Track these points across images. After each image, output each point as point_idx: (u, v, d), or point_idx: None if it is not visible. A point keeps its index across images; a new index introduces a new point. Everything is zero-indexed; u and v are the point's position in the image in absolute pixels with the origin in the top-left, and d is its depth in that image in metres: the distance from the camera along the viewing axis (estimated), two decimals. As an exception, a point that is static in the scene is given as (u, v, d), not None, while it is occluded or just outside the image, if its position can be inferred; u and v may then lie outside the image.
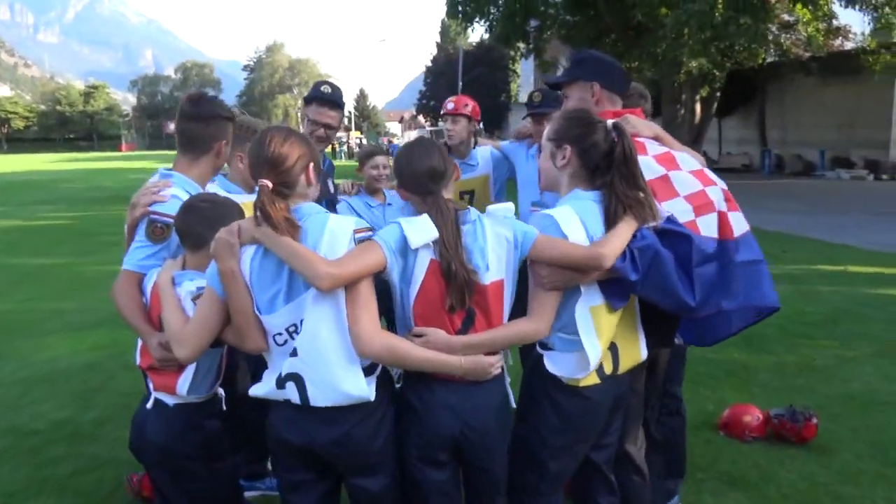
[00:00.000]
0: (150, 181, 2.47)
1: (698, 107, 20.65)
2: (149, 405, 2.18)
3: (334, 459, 1.94)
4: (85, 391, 4.69)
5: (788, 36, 18.77)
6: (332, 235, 1.86)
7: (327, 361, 1.85)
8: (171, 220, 2.22)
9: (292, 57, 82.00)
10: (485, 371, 1.96)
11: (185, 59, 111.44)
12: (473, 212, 2.01)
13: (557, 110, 3.69)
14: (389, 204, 3.95)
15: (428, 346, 1.91)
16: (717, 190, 2.30)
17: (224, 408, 2.31)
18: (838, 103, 24.13)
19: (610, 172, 2.09)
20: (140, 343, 2.25)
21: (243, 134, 2.87)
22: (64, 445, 3.88)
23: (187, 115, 2.38)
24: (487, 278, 1.94)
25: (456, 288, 1.89)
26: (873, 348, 5.25)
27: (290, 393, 1.89)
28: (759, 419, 3.78)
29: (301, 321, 1.86)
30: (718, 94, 21.28)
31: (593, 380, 2.09)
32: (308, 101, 3.43)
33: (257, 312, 1.89)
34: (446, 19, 75.21)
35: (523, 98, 54.04)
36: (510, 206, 2.03)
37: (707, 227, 2.22)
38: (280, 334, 1.89)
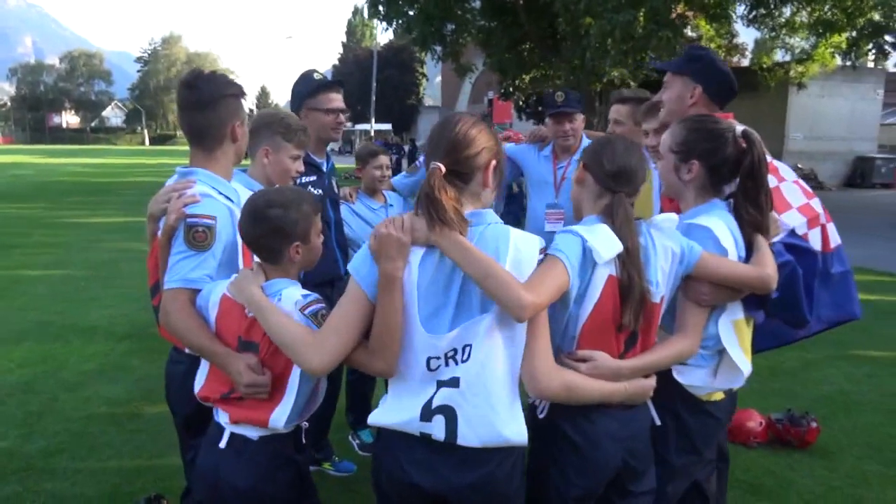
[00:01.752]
0: (169, 183, 2.13)
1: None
2: (222, 444, 1.82)
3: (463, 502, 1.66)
4: (26, 417, 4.10)
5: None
6: (517, 253, 1.60)
7: (491, 398, 1.60)
8: (213, 222, 1.90)
9: (190, 50, 78.48)
10: (646, 395, 1.80)
11: (70, 48, 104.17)
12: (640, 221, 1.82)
13: (579, 111, 3.61)
14: (391, 205, 3.71)
15: (595, 371, 1.70)
16: (817, 202, 2.28)
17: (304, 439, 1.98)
18: (737, 116, 25.53)
19: (735, 182, 1.99)
20: (206, 370, 1.90)
21: (267, 127, 2.56)
22: (15, 483, 3.35)
23: (187, 103, 2.03)
24: (657, 295, 1.76)
25: (632, 306, 1.69)
26: (829, 351, 5.46)
27: (435, 428, 1.61)
28: (762, 424, 3.81)
29: (466, 347, 1.59)
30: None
31: (720, 395, 2.01)
32: (311, 94, 3.07)
33: (418, 327, 1.60)
34: (353, 19, 74.86)
35: (429, 101, 54.29)
36: (674, 216, 1.84)
37: (815, 241, 2.19)
38: (437, 358, 1.60)
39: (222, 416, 1.85)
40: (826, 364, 5.22)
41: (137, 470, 3.46)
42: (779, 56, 21.37)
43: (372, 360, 1.64)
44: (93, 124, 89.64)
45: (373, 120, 36.72)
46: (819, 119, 23.05)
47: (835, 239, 2.31)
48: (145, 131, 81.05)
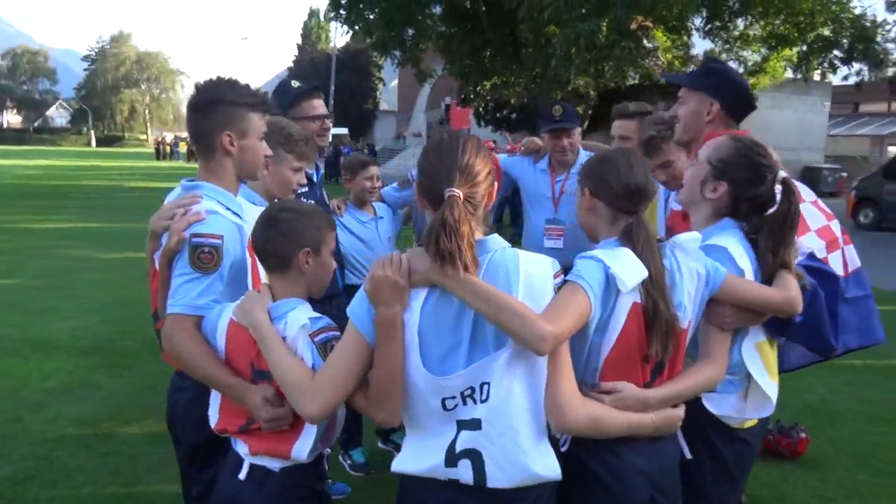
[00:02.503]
0: (171, 197, 2.00)
1: (573, 123, 21.61)
2: (242, 475, 1.70)
3: None
4: (-13, 439, 3.86)
5: (650, 61, 20.10)
6: (529, 278, 1.50)
7: (517, 437, 1.49)
8: (220, 242, 1.78)
9: (140, 49, 76.11)
10: (674, 426, 1.71)
11: (12, 45, 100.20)
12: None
13: (577, 126, 3.56)
14: (381, 217, 3.60)
15: (620, 404, 1.60)
16: (837, 224, 2.27)
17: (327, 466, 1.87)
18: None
19: (757, 218, 1.94)
20: (218, 400, 1.77)
21: (268, 137, 2.42)
22: (-19, 513, 3.13)
23: (189, 106, 1.93)
24: (685, 321, 1.68)
25: (660, 335, 1.60)
26: (803, 359, 5.54)
27: (462, 472, 1.50)
28: (754, 436, 3.81)
29: (484, 386, 1.48)
30: (590, 111, 22.35)
31: (752, 422, 1.94)
32: (293, 103, 2.97)
33: (423, 373, 1.49)
34: (309, 21, 74.11)
35: (385, 106, 54.04)
36: (697, 235, 1.76)
37: (836, 264, 2.16)
38: (452, 398, 1.49)
39: (241, 447, 1.73)
40: (806, 373, 5.25)
41: (115, 498, 3.27)
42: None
43: (373, 410, 1.54)
44: (36, 124, 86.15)
45: (331, 124, 36.37)
46: (769, 129, 23.71)
47: (853, 262, 2.28)
48: (92, 132, 78.39)
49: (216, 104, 1.88)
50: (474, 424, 1.49)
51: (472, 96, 24.41)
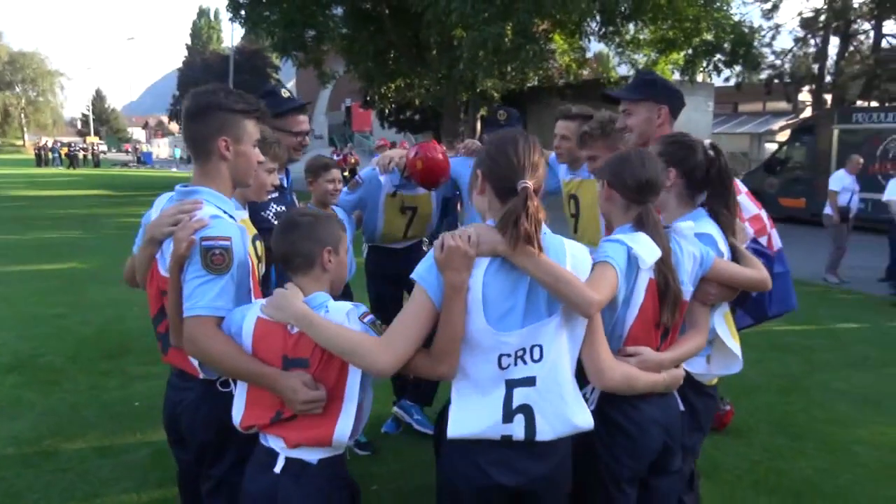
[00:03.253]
0: (168, 204, 2.02)
1: (479, 124, 22.03)
2: (277, 468, 1.75)
3: (540, 494, 1.77)
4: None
5: (550, 63, 20.89)
6: (574, 259, 1.77)
7: (563, 392, 1.75)
8: (229, 244, 1.82)
9: (13, 49, 70.73)
10: (678, 383, 2.00)
11: None
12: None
13: (519, 128, 3.75)
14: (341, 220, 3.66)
15: (642, 365, 1.88)
16: (763, 212, 2.58)
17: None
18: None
19: (706, 191, 2.21)
20: (244, 396, 1.81)
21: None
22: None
23: (185, 113, 1.94)
24: (688, 294, 1.98)
25: (670, 305, 1.90)
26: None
27: (516, 428, 1.71)
28: (685, 411, 4.16)
29: (535, 347, 1.71)
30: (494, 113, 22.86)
31: (716, 380, 2.29)
32: (280, 114, 3.02)
33: (488, 329, 1.69)
34: (198, 21, 71.46)
35: (286, 108, 52.97)
36: (692, 224, 2.04)
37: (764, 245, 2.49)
38: (508, 355, 1.70)
39: (274, 442, 1.78)
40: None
41: (75, 513, 3.17)
42: (623, 71, 23.08)
43: (435, 365, 1.71)
44: None
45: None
46: None
47: (777, 243, 2.61)
48: (-43, 137, 72.31)
49: (212, 111, 1.91)
50: (529, 382, 1.71)
51: (376, 98, 24.39)
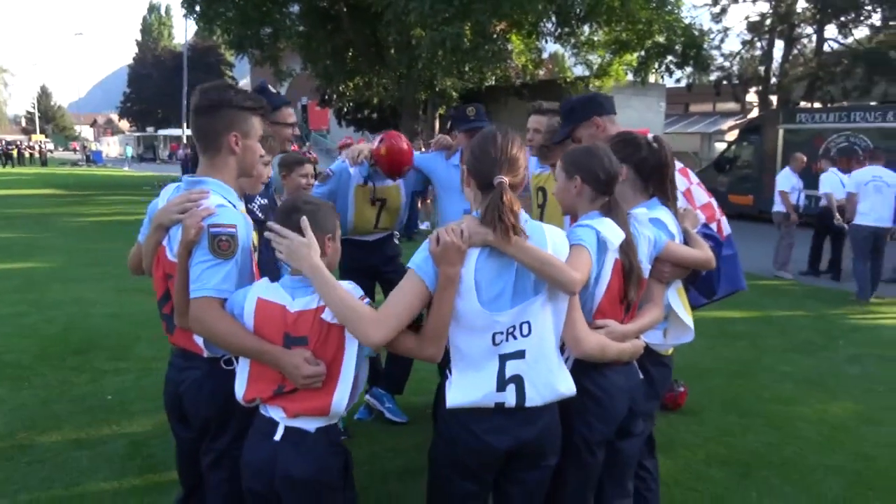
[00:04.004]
0: (175, 193, 2.13)
1: (437, 123, 22.20)
2: (277, 437, 1.89)
3: (527, 454, 1.95)
4: None
5: (507, 63, 21.17)
6: (554, 244, 1.94)
7: (549, 363, 1.93)
8: (235, 231, 1.95)
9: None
10: (639, 352, 2.20)
11: None
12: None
13: (489, 124, 3.92)
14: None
15: (610, 335, 2.08)
16: (714, 201, 2.81)
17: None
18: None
19: (654, 180, 2.42)
20: (245, 372, 1.93)
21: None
22: None
23: (194, 107, 2.07)
24: (647, 273, 2.18)
25: (634, 283, 2.10)
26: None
27: (508, 396, 1.89)
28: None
29: (524, 324, 1.89)
30: (452, 111, 23.03)
31: (671, 350, 2.51)
32: (277, 108, 3.25)
33: (480, 310, 1.85)
34: (149, 16, 69.86)
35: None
36: (646, 211, 2.26)
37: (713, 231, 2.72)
38: (501, 333, 1.88)
39: (275, 412, 1.92)
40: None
41: (58, 500, 3.23)
42: (578, 71, 23.54)
43: (424, 347, 1.88)
44: None
45: (185, 125, 34.77)
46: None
47: (726, 229, 2.85)
48: None
49: (224, 107, 2.04)
50: (519, 355, 1.90)
51: (334, 96, 24.33)
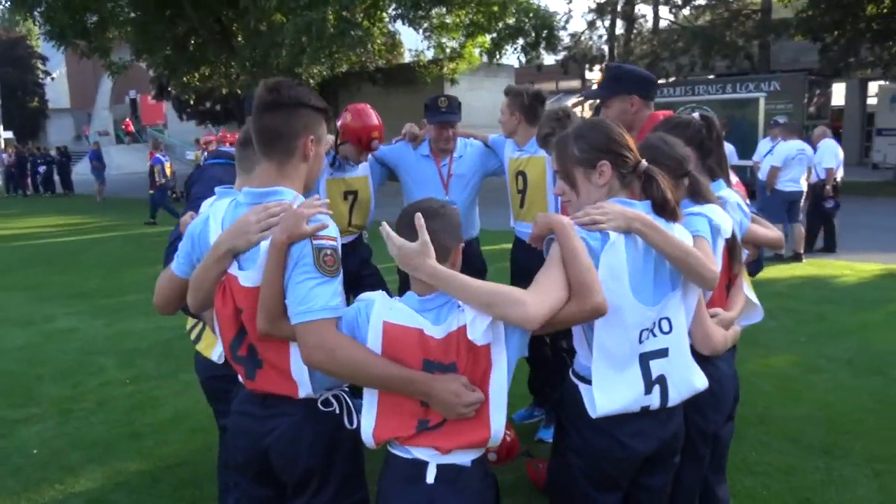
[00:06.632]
0: (237, 210, 1.80)
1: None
2: (430, 479, 1.64)
3: (665, 454, 1.88)
4: None
5: (359, 50, 20.78)
6: (681, 234, 1.83)
7: (687, 360, 1.86)
8: (336, 244, 1.70)
9: None
10: (737, 339, 2.19)
11: None
12: None
13: (460, 118, 3.75)
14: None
15: (721, 323, 2.03)
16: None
17: None
18: (400, 109, 27.54)
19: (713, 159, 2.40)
20: (374, 408, 1.66)
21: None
22: None
23: (263, 104, 1.75)
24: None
25: (736, 263, 2.09)
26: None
27: (654, 398, 1.78)
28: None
29: (663, 320, 1.80)
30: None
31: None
32: None
33: (634, 302, 1.73)
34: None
35: (56, 104, 47.13)
36: (733, 193, 2.28)
37: None
38: (648, 329, 1.77)
39: (421, 451, 1.67)
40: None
41: None
42: (430, 55, 23.59)
43: (585, 300, 1.63)
44: None
45: (0, 127, 30.93)
46: (469, 111, 25.51)
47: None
48: None
49: (302, 107, 1.75)
50: (662, 353, 1.79)
51: (178, 88, 22.58)
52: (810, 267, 8.19)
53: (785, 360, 4.98)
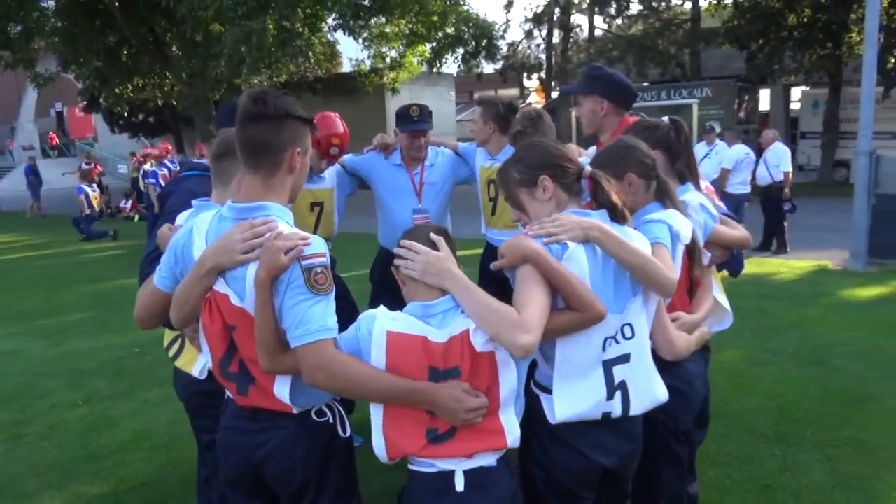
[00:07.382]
0: (221, 225, 1.77)
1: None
2: (459, 487, 1.65)
3: (622, 472, 1.88)
4: None
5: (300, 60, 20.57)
6: (640, 243, 1.86)
7: (647, 367, 1.86)
8: (327, 260, 1.68)
9: None
10: (706, 339, 2.24)
11: None
12: None
13: (431, 126, 3.78)
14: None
15: (682, 327, 2.07)
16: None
17: None
18: (342, 118, 27.49)
19: (682, 162, 2.47)
20: (380, 426, 1.68)
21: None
22: None
23: (249, 115, 1.69)
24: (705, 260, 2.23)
25: (697, 262, 2.12)
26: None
27: (615, 405, 1.79)
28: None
29: (626, 326, 1.81)
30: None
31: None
32: None
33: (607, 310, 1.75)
34: None
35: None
36: (700, 196, 2.33)
37: None
38: (611, 337, 1.79)
39: (444, 463, 1.68)
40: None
41: None
42: (369, 64, 23.49)
43: (590, 313, 1.71)
44: None
45: None
46: None
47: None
48: None
49: (290, 118, 1.71)
50: (624, 359, 1.80)
51: (111, 100, 21.80)
52: (749, 265, 8.54)
53: (734, 354, 5.19)
